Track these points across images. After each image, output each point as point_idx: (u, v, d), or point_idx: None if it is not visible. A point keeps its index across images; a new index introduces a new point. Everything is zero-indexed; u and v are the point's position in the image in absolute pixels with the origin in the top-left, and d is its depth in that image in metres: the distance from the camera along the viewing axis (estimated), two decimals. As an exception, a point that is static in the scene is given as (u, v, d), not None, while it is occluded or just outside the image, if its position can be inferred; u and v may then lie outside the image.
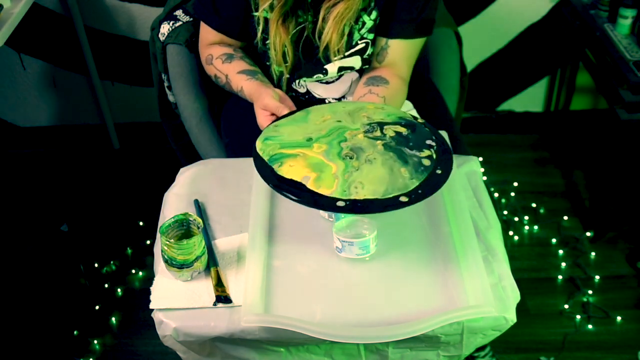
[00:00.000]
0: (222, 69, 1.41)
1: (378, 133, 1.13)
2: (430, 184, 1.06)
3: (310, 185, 1.04)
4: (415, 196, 1.04)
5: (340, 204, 1.01)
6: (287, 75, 1.41)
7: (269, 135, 1.16)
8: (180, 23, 1.60)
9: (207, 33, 1.46)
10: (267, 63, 1.42)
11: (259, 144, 1.15)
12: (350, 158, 1.08)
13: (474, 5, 2.26)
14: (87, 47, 2.29)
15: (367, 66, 1.43)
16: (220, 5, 1.40)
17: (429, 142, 1.14)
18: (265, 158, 1.11)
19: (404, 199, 1.03)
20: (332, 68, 1.41)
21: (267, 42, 1.37)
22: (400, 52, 1.40)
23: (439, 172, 1.08)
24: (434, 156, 1.11)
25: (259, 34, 1.36)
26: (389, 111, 1.21)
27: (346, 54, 1.38)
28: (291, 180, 1.05)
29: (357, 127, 1.14)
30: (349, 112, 1.19)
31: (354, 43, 1.38)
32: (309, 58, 1.39)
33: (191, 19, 1.61)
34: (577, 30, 2.08)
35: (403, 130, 1.15)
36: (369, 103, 1.25)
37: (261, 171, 1.09)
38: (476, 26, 2.29)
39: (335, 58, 1.37)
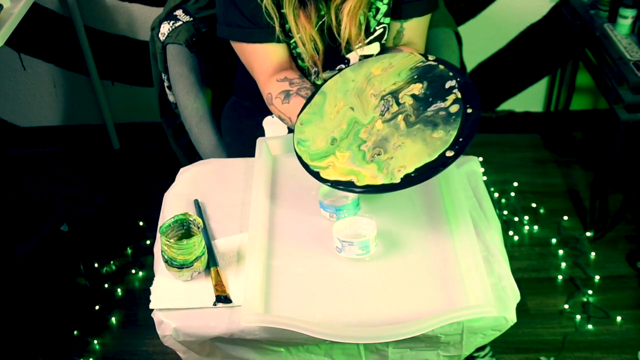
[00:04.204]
0: (283, 110, 1.34)
1: (395, 108, 1.15)
2: (467, 127, 1.07)
3: (358, 183, 1.08)
4: (459, 146, 1.06)
5: (396, 181, 1.05)
6: (320, 69, 1.40)
7: (299, 138, 1.19)
8: (180, 23, 1.60)
9: (257, 59, 1.38)
10: (296, 55, 1.42)
11: (297, 148, 1.18)
12: (378, 155, 1.10)
13: (474, 5, 2.26)
14: (87, 47, 2.29)
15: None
16: (252, 15, 1.34)
17: (449, 84, 1.14)
18: (307, 161, 1.15)
19: (449, 153, 1.05)
20: (353, 58, 1.42)
21: (292, 40, 1.36)
22: (415, 31, 1.43)
23: (469, 110, 1.09)
24: (459, 95, 1.11)
25: (276, 26, 1.33)
26: (398, 67, 1.21)
27: (366, 41, 1.40)
28: (338, 181, 1.10)
29: (371, 116, 1.16)
30: (358, 91, 1.21)
31: (372, 30, 1.39)
32: (333, 50, 1.40)
33: (191, 19, 1.61)
34: (577, 30, 2.08)
35: (419, 87, 1.15)
36: (376, 62, 1.25)
37: (310, 174, 1.13)
38: (476, 26, 2.29)
39: (357, 46, 1.38)
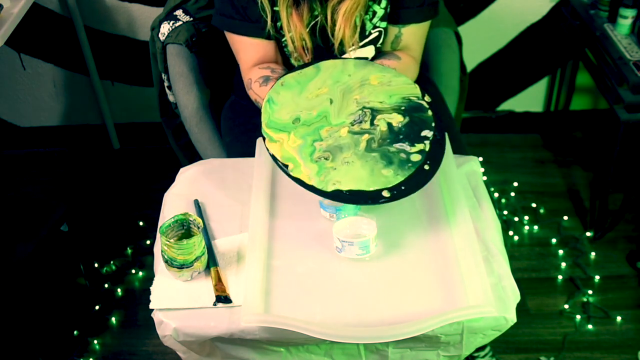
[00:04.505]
0: (259, 92, 1.36)
1: (367, 125, 1.15)
2: (415, 180, 1.09)
3: (291, 172, 1.10)
4: (398, 192, 1.07)
5: (327, 190, 1.07)
6: None
7: (271, 96, 1.20)
8: (180, 23, 1.60)
9: (243, 50, 1.40)
10: (287, 54, 1.42)
11: (265, 104, 1.18)
12: (326, 159, 1.11)
13: (474, 5, 2.26)
14: (87, 47, 2.29)
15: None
16: (244, 8, 1.35)
17: (425, 133, 1.14)
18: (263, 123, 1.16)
19: (386, 193, 1.07)
20: None
21: (284, 39, 1.37)
22: (413, 37, 1.43)
23: (426, 167, 1.10)
24: (427, 149, 1.12)
25: (268, 22, 1.34)
26: (395, 89, 1.21)
27: (360, 44, 1.40)
28: (275, 157, 1.12)
29: (342, 120, 1.16)
30: (347, 89, 1.21)
31: (367, 33, 1.39)
32: (326, 50, 1.40)
33: (191, 19, 1.61)
34: (577, 30, 2.07)
35: (399, 119, 1.16)
36: (380, 71, 1.25)
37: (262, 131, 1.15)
38: (476, 26, 2.29)
39: (350, 49, 1.38)
